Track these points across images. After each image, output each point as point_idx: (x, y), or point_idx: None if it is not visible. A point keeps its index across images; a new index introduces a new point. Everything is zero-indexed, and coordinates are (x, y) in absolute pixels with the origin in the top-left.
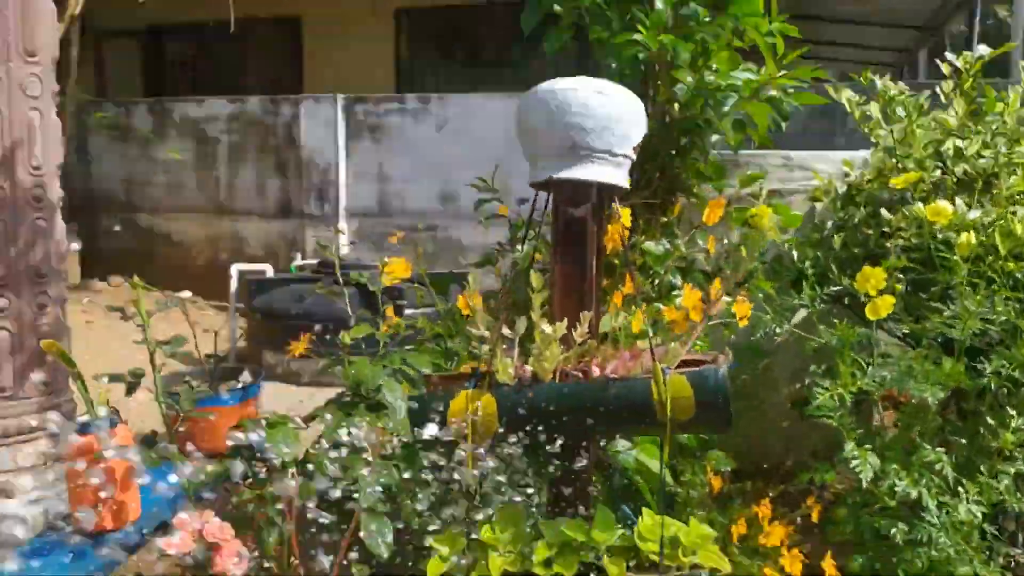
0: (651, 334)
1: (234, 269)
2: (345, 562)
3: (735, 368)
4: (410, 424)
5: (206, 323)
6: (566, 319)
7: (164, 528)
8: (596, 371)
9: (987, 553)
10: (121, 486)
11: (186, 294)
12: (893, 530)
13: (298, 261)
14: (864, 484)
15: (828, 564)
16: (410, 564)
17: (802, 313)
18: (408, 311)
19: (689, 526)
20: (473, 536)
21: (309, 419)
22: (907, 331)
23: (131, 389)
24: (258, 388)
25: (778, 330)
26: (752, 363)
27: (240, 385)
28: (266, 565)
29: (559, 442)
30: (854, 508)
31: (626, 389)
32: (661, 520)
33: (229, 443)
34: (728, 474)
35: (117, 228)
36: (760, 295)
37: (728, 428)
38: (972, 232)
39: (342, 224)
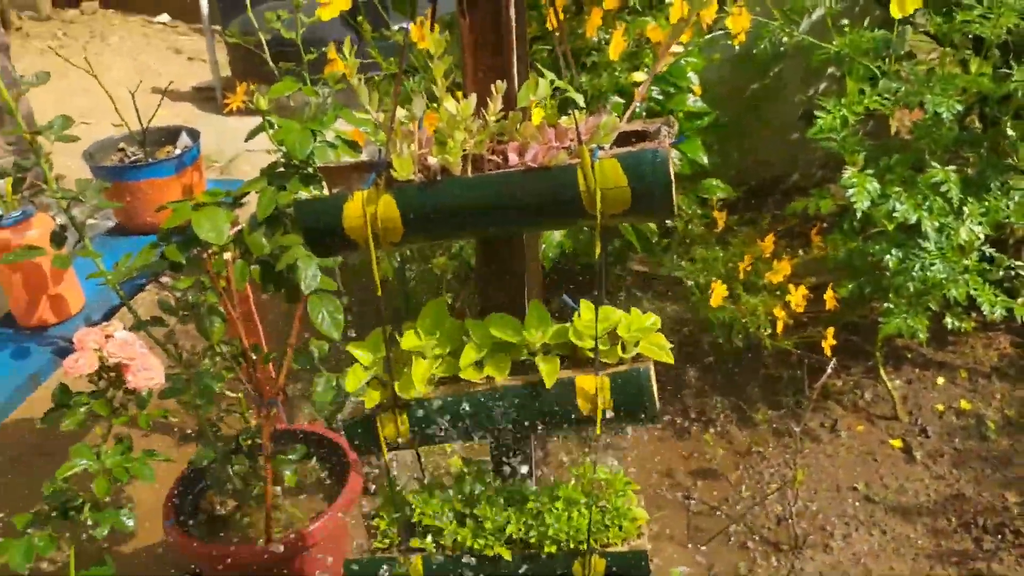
0: (578, 103)
1: None
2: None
3: (735, 78)
4: (305, 234)
5: (190, 49)
6: (474, 95)
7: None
8: (514, 158)
9: (983, 274)
10: (53, 277)
11: (164, 18)
12: (887, 256)
13: None
14: (859, 213)
15: (829, 295)
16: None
17: (818, 12)
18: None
19: (631, 314)
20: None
21: (240, 196)
22: (932, 30)
23: (18, 185)
24: (197, 152)
25: (785, 40)
26: (756, 73)
27: (178, 151)
28: (218, 354)
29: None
30: (848, 234)
31: (547, 180)
32: (598, 311)
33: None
34: (723, 202)
35: None
36: None
37: (672, 216)
38: None
39: None
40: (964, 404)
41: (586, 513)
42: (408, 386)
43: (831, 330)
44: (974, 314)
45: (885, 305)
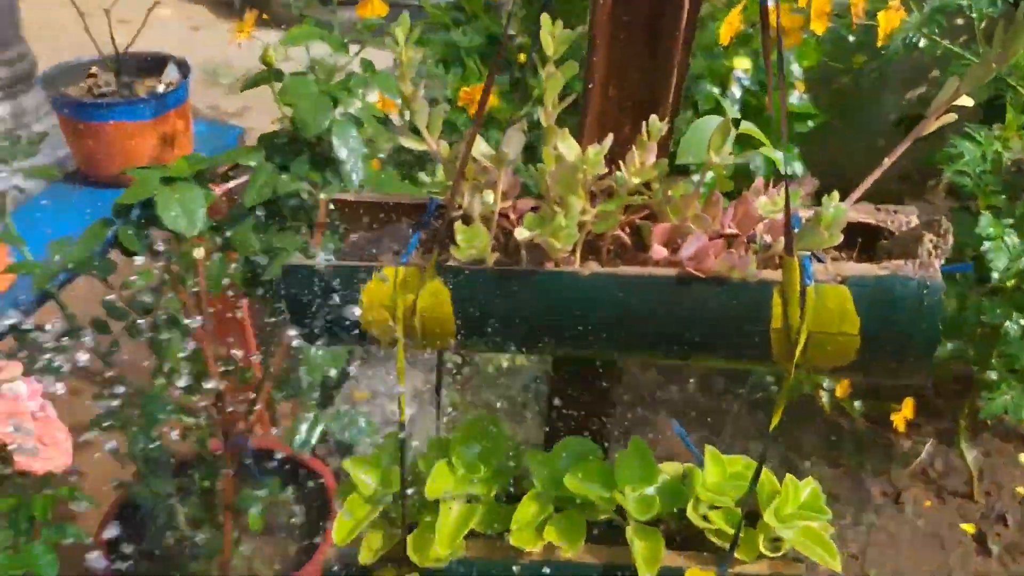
0: (785, 169)
1: None
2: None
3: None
4: (291, 309)
5: None
6: (611, 135)
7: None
8: (660, 250)
9: None
10: None
11: None
12: (1008, 322)
13: None
14: (996, 276)
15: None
16: None
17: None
18: None
19: (785, 483)
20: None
21: (227, 170)
22: None
23: None
24: (184, 93)
25: (922, 42)
26: (847, 68)
27: (162, 88)
28: (167, 372)
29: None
30: (961, 286)
31: (719, 299)
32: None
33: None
34: None
35: None
36: None
37: (923, 381)
38: None
39: None
40: None
41: None
42: (426, 544)
43: (909, 401)
44: None
45: (988, 374)
